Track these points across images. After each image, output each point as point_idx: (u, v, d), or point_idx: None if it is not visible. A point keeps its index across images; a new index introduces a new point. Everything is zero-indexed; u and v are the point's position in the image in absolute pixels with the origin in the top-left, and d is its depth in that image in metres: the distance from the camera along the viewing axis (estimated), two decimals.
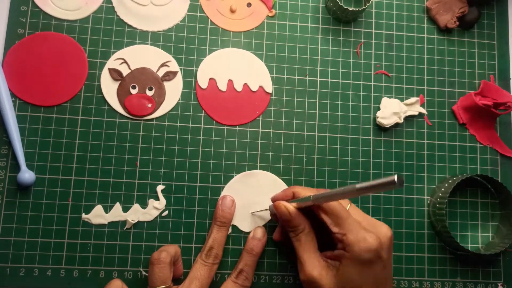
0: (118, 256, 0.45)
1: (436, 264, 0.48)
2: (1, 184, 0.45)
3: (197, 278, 0.41)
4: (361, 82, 0.51)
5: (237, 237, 0.47)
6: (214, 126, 0.48)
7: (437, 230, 0.48)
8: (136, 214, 0.46)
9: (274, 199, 0.43)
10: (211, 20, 0.50)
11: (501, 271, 0.49)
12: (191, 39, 0.49)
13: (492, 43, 0.53)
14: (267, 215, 0.47)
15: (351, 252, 0.36)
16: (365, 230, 0.37)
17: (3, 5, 0.48)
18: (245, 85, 0.49)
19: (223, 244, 0.44)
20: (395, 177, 0.28)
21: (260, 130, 0.49)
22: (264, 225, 0.47)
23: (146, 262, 0.45)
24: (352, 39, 0.52)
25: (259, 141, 0.49)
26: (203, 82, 0.49)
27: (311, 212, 0.39)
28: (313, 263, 0.38)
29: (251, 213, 0.47)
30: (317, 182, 0.48)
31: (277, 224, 0.46)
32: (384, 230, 0.38)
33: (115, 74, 0.48)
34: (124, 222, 0.46)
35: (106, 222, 0.45)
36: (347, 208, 0.40)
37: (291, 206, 0.40)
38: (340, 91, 0.50)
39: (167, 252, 0.41)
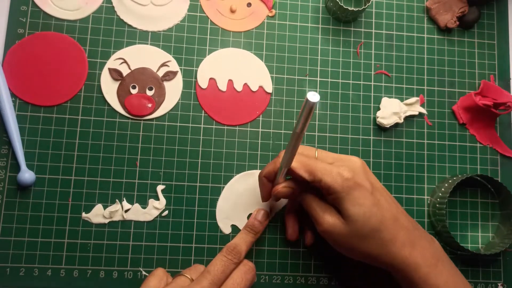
0: (118, 256, 0.45)
1: None
2: (1, 184, 0.45)
3: (210, 273, 0.39)
4: (361, 82, 0.51)
5: None
6: (214, 126, 0.48)
7: (437, 230, 0.48)
8: (136, 214, 0.46)
9: (264, 198, 0.44)
10: (211, 20, 0.50)
11: (501, 271, 0.49)
12: (191, 39, 0.49)
13: (492, 43, 0.53)
14: (277, 205, 0.47)
15: (335, 192, 0.38)
16: (336, 166, 0.39)
17: (3, 5, 0.48)
18: (245, 85, 0.49)
19: (247, 246, 0.42)
20: (307, 96, 0.31)
21: (260, 130, 0.49)
22: (277, 214, 0.47)
23: (146, 262, 0.45)
24: (352, 39, 0.52)
25: (259, 141, 0.49)
26: (203, 82, 0.49)
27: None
28: (325, 213, 0.40)
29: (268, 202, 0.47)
30: None
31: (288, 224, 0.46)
32: (353, 159, 0.40)
33: (115, 74, 0.48)
34: (124, 222, 0.45)
35: (106, 222, 0.45)
36: (316, 156, 0.41)
37: (284, 183, 0.41)
38: (340, 91, 0.50)
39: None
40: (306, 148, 0.43)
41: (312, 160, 0.40)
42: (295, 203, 0.45)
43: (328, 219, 0.39)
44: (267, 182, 0.43)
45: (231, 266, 0.40)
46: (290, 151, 0.37)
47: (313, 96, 0.31)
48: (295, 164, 0.39)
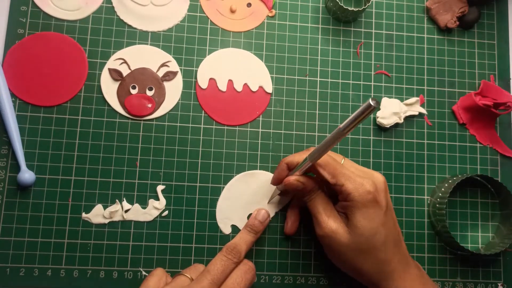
0: (118, 256, 0.45)
1: (436, 264, 0.48)
2: (1, 184, 0.45)
3: (209, 272, 0.39)
4: (361, 82, 0.51)
5: None
6: (214, 126, 0.48)
7: (437, 230, 0.48)
8: (136, 214, 0.46)
9: (274, 181, 0.45)
10: (211, 20, 0.50)
11: (501, 271, 0.49)
12: (191, 39, 0.49)
13: (492, 43, 0.53)
14: (281, 200, 0.47)
15: (353, 200, 0.39)
16: (360, 177, 0.40)
17: (3, 5, 0.48)
18: (245, 85, 0.49)
19: (247, 246, 0.42)
20: (370, 100, 0.32)
21: (260, 130, 0.49)
22: (276, 213, 0.47)
23: (146, 262, 0.45)
24: (352, 39, 0.52)
25: (259, 141, 0.49)
26: (203, 82, 0.49)
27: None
28: (328, 216, 0.40)
29: (267, 203, 0.47)
30: None
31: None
32: (376, 175, 0.41)
33: (115, 74, 0.48)
34: (124, 222, 0.45)
35: (106, 222, 0.45)
36: (342, 163, 0.42)
37: (298, 176, 0.42)
38: (340, 91, 0.50)
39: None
40: (333, 153, 0.44)
41: (338, 164, 0.40)
42: (301, 200, 0.45)
43: (331, 224, 0.40)
44: (285, 169, 0.43)
45: (231, 266, 0.40)
46: (323, 148, 0.38)
47: (374, 102, 0.32)
48: (322, 162, 0.40)
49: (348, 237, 0.39)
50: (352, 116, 0.34)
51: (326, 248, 0.42)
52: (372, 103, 0.32)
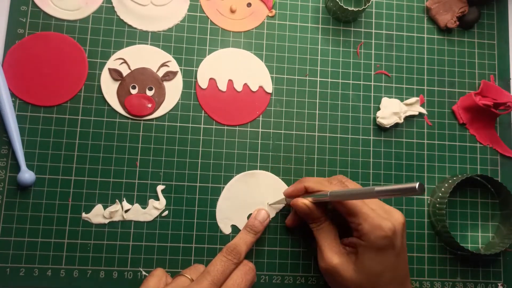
0: (118, 256, 0.45)
1: (436, 264, 0.48)
2: (1, 184, 0.45)
3: (210, 273, 0.39)
4: (361, 82, 0.51)
5: None
6: (214, 126, 0.48)
7: (437, 230, 0.48)
8: (136, 214, 0.46)
9: (287, 194, 0.44)
10: (211, 20, 0.50)
11: (501, 271, 0.49)
12: (191, 39, 0.49)
13: (492, 43, 0.53)
14: (281, 206, 0.47)
15: (367, 241, 0.37)
16: (380, 217, 0.38)
17: (3, 5, 0.48)
18: (245, 85, 0.49)
19: (247, 246, 0.42)
20: (416, 184, 0.29)
21: (260, 130, 0.49)
22: (277, 214, 0.47)
23: (146, 262, 0.45)
24: (352, 39, 0.52)
25: (259, 141, 0.49)
26: (203, 82, 0.49)
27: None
28: (333, 252, 0.39)
29: (268, 204, 0.47)
30: None
31: (290, 211, 0.47)
32: (397, 216, 0.39)
33: (115, 74, 0.48)
34: (124, 223, 0.45)
35: (106, 222, 0.45)
36: None
37: (308, 202, 0.41)
38: (340, 91, 0.50)
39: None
40: (353, 183, 0.43)
41: (359, 200, 0.39)
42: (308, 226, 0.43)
43: (335, 260, 0.39)
44: (302, 191, 0.42)
45: (231, 267, 0.40)
46: (347, 196, 0.37)
47: (419, 188, 0.29)
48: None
49: (351, 274, 0.38)
50: (393, 187, 0.31)
51: (326, 279, 0.41)
52: (417, 187, 0.29)
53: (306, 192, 0.42)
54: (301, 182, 0.43)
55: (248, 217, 0.47)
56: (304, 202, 0.41)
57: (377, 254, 0.37)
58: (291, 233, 0.47)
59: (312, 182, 0.42)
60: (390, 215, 0.39)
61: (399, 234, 0.38)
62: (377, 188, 0.32)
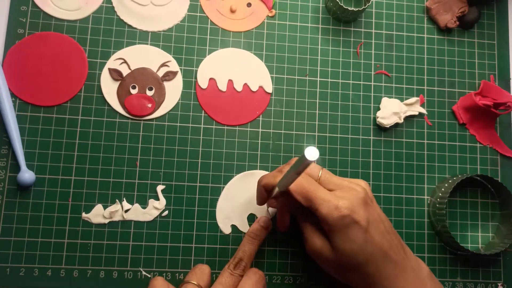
0: (118, 256, 0.45)
1: (436, 264, 0.48)
2: (1, 184, 0.45)
3: (222, 284, 0.39)
4: (361, 82, 0.51)
5: (236, 237, 0.47)
6: (214, 126, 0.48)
7: (437, 230, 0.48)
8: (136, 214, 0.46)
9: (258, 203, 0.44)
10: (211, 20, 0.50)
11: (501, 271, 0.49)
12: (191, 39, 0.49)
13: (492, 43, 0.53)
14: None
15: (327, 225, 0.37)
16: (336, 197, 0.37)
17: (3, 5, 0.48)
18: (245, 85, 0.49)
19: (252, 257, 0.43)
20: (304, 152, 0.29)
21: (260, 130, 0.49)
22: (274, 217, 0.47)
23: (146, 262, 0.45)
24: (352, 39, 0.52)
25: (259, 141, 0.49)
26: (203, 82, 0.49)
27: None
28: (315, 236, 0.39)
29: (268, 209, 0.47)
30: None
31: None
32: (355, 190, 0.38)
33: (115, 74, 0.48)
34: (124, 222, 0.45)
35: (106, 222, 0.45)
36: (319, 175, 0.39)
37: (274, 200, 0.41)
38: (340, 91, 0.50)
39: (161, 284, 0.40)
40: (311, 165, 0.40)
41: (312, 185, 0.38)
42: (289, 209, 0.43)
43: (317, 242, 0.39)
44: (264, 192, 0.41)
45: (238, 279, 0.40)
46: (287, 180, 0.36)
47: (311, 154, 0.29)
48: (294, 187, 0.38)
49: (332, 256, 0.38)
50: (295, 167, 0.32)
51: (317, 262, 0.41)
52: (307, 157, 0.29)
53: (266, 191, 0.41)
54: (258, 184, 0.42)
55: (248, 217, 0.47)
56: (272, 201, 0.41)
57: (342, 234, 0.36)
58: (291, 233, 0.47)
59: (266, 179, 0.41)
60: (349, 191, 0.38)
61: (358, 207, 0.37)
62: (293, 169, 0.33)
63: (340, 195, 0.37)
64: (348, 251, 0.37)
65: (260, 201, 0.43)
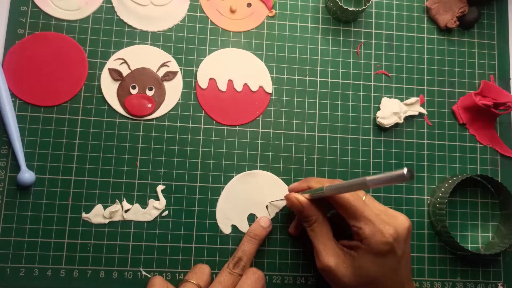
0: (118, 256, 0.45)
1: (436, 264, 0.48)
2: (1, 184, 0.45)
3: (221, 283, 0.40)
4: (361, 82, 0.51)
5: (236, 237, 0.47)
6: (214, 126, 0.48)
7: (437, 230, 0.48)
8: (136, 214, 0.46)
9: (290, 189, 0.44)
10: (211, 20, 0.50)
11: (501, 271, 0.49)
12: (191, 39, 0.49)
13: (492, 43, 0.53)
14: (282, 204, 0.47)
15: (368, 245, 0.37)
16: (382, 222, 0.37)
17: (3, 5, 0.48)
18: (245, 85, 0.49)
19: (252, 257, 0.43)
20: (405, 170, 0.29)
21: (260, 130, 0.49)
22: (277, 214, 0.47)
23: (146, 262, 0.45)
24: (352, 39, 0.52)
25: (259, 141, 0.49)
26: (203, 82, 0.49)
27: (328, 202, 0.40)
28: (328, 253, 0.39)
29: (269, 202, 0.47)
30: None
31: (294, 217, 0.47)
32: (400, 221, 0.38)
33: (115, 74, 0.48)
34: (124, 222, 0.45)
35: (106, 222, 0.45)
36: (363, 199, 0.39)
37: (302, 197, 0.40)
38: (340, 91, 0.50)
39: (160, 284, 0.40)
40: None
41: (360, 202, 0.38)
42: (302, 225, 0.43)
43: (331, 261, 0.38)
44: (305, 189, 0.41)
45: (237, 279, 0.41)
46: (345, 189, 0.36)
47: (408, 174, 0.29)
48: (344, 198, 0.38)
49: (349, 276, 0.37)
50: (383, 176, 0.31)
51: (325, 278, 0.41)
52: (405, 173, 0.29)
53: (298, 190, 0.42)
54: (306, 181, 0.42)
55: (248, 217, 0.47)
56: (296, 196, 0.41)
57: (377, 258, 0.37)
58: (291, 233, 0.47)
59: (314, 182, 0.41)
60: (394, 220, 0.38)
61: (401, 239, 0.37)
62: (368, 178, 0.32)
63: (386, 220, 0.38)
64: (372, 273, 0.37)
65: (293, 190, 0.43)
